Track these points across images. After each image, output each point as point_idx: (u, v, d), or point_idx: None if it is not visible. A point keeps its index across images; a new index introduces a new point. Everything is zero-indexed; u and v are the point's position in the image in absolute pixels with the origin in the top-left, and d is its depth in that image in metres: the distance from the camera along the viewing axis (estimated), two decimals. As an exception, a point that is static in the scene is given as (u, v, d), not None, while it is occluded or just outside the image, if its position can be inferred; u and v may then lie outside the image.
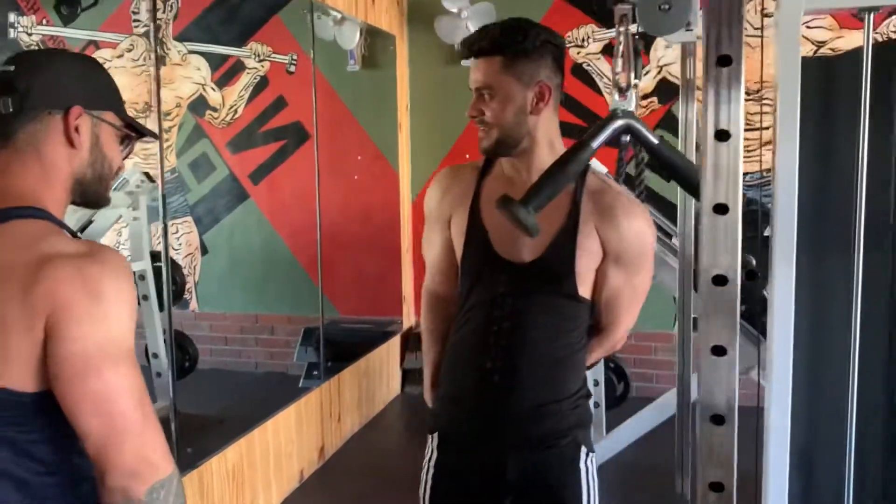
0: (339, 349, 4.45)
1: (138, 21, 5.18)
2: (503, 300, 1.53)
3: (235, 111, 4.98)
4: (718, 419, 0.81)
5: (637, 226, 1.55)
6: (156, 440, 1.06)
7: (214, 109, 5.01)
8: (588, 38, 4.43)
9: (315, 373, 4.64)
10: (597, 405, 3.38)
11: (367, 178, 4.76)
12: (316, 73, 4.69)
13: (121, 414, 1.02)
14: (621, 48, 1.18)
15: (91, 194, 1.21)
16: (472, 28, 4.42)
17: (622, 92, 1.24)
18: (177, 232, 5.11)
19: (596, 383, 3.39)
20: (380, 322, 4.75)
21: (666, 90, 4.35)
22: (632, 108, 1.24)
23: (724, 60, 0.79)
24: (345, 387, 3.87)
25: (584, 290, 1.56)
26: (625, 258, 1.55)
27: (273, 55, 4.80)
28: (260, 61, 4.85)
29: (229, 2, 4.86)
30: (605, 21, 4.39)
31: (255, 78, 4.91)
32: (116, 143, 1.21)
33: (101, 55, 5.06)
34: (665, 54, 4.33)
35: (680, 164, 1.12)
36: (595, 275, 1.56)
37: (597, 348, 1.66)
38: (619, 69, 1.18)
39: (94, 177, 1.19)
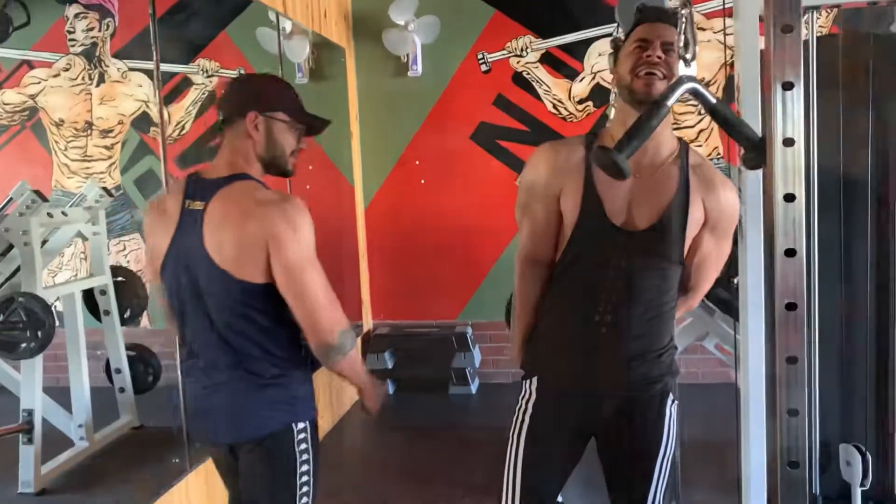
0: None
1: (74, 40, 5.19)
2: (618, 263, 1.70)
3: (183, 127, 5.02)
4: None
5: (733, 197, 1.78)
6: (336, 311, 1.74)
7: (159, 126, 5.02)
8: (526, 48, 4.73)
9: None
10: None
11: (320, 188, 4.89)
12: (264, 87, 4.78)
13: (315, 296, 1.69)
14: (684, 27, 1.40)
15: (274, 169, 1.79)
16: (419, 40, 4.67)
17: (687, 62, 1.46)
18: (124, 249, 5.08)
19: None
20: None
21: (600, 94, 4.69)
22: (694, 74, 1.45)
23: (788, 86, 1.01)
24: (318, 386, 3.97)
25: (683, 255, 1.76)
26: (720, 227, 1.77)
27: (221, 70, 4.88)
28: (208, 77, 4.92)
29: (175, 19, 4.92)
30: (542, 32, 4.72)
31: (202, 94, 4.97)
32: (288, 133, 1.77)
33: (36, 74, 5.03)
34: (598, 61, 4.68)
35: (736, 122, 1.35)
36: (692, 241, 1.76)
37: (682, 306, 1.87)
38: (681, 44, 1.41)
39: (271, 157, 1.77)
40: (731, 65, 4.75)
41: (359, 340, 4.78)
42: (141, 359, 4.33)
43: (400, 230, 4.97)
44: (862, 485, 2.13)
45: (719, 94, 4.62)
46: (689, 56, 1.44)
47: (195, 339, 1.77)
